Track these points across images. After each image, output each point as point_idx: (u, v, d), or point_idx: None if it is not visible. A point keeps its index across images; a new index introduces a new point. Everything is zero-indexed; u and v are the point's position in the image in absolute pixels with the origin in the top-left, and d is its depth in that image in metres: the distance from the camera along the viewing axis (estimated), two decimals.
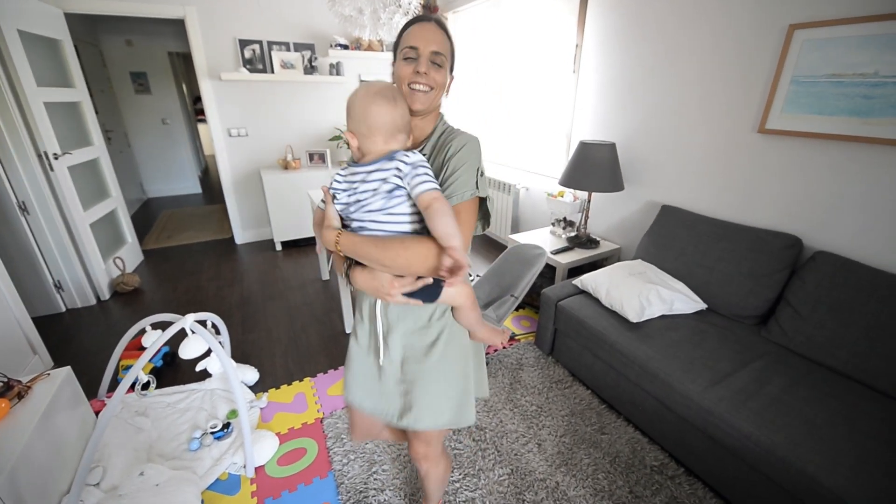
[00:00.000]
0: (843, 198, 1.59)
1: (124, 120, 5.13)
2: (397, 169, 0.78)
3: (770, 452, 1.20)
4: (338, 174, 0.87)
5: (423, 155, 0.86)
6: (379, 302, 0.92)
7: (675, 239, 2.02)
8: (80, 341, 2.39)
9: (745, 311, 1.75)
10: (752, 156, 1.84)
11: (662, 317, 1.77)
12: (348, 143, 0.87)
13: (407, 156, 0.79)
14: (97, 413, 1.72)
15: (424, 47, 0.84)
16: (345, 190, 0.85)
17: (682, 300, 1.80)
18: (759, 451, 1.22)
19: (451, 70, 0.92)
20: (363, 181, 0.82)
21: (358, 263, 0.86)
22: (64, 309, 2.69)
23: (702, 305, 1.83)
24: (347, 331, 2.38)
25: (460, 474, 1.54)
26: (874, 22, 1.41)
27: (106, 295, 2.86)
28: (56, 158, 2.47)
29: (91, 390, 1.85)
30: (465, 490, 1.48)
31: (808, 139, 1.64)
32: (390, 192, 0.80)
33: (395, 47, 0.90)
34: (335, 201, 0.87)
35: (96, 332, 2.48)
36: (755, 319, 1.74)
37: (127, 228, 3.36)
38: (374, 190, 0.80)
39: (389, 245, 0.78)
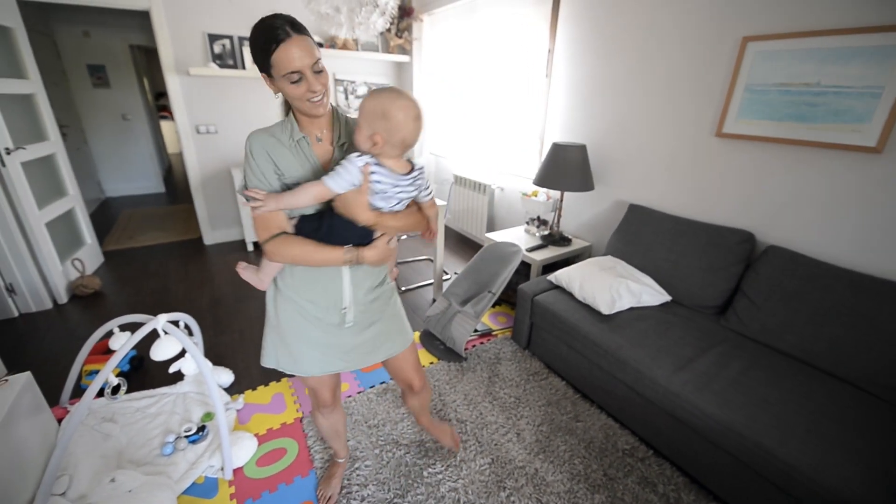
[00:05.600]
0: (790, 196, 1.74)
1: (81, 115, 4.85)
2: (425, 180, 1.04)
3: (730, 429, 1.30)
4: (381, 173, 0.94)
5: (343, 142, 1.03)
6: (347, 271, 1.07)
7: (641, 236, 2.14)
8: (35, 347, 2.25)
9: (705, 302, 1.87)
10: (711, 158, 1.97)
11: (631, 309, 1.86)
12: (354, 140, 0.96)
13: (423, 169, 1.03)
14: (60, 420, 1.64)
15: (305, 67, 0.87)
16: (384, 189, 0.96)
17: (649, 293, 1.90)
18: (719, 429, 1.32)
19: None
20: (396, 185, 0.97)
21: (360, 245, 1.01)
22: (17, 314, 2.53)
23: (667, 297, 1.94)
24: None
25: (443, 466, 1.56)
26: (817, 37, 1.55)
27: (64, 298, 2.71)
28: (8, 153, 2.32)
29: (51, 398, 1.75)
30: (448, 481, 1.51)
31: (760, 142, 1.78)
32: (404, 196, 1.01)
33: (265, 65, 0.88)
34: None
35: (54, 338, 2.34)
36: (715, 309, 1.87)
37: (86, 229, 3.19)
38: (410, 193, 1.01)
39: (409, 215, 1.07)
